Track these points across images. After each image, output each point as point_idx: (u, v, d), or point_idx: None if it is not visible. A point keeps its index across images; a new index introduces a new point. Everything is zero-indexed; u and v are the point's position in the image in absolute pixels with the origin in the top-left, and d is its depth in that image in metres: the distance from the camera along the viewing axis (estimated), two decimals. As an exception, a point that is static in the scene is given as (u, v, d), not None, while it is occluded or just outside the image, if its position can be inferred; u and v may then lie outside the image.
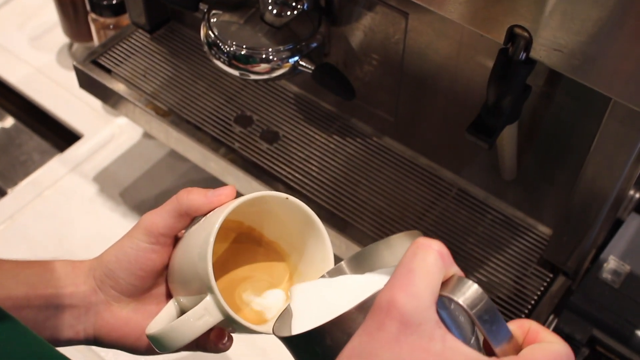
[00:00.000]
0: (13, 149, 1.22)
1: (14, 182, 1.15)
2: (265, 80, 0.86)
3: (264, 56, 0.83)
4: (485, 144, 0.67)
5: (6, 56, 1.27)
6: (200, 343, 0.62)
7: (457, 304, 0.42)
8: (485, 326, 0.42)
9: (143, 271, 0.61)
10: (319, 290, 0.55)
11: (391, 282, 0.43)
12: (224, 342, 0.62)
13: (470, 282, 0.43)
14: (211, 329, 0.59)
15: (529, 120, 0.78)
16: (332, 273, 0.57)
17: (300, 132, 0.96)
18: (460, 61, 0.80)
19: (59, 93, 1.22)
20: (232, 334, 0.62)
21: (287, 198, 0.59)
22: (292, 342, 0.49)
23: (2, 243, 1.03)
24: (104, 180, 1.11)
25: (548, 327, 0.80)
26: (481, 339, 0.45)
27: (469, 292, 0.42)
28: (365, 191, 0.90)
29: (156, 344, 0.59)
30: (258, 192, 0.58)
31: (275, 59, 0.83)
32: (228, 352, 0.92)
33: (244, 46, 0.83)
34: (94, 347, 0.92)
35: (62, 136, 1.20)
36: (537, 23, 0.58)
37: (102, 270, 0.61)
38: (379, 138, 0.95)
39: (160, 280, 0.63)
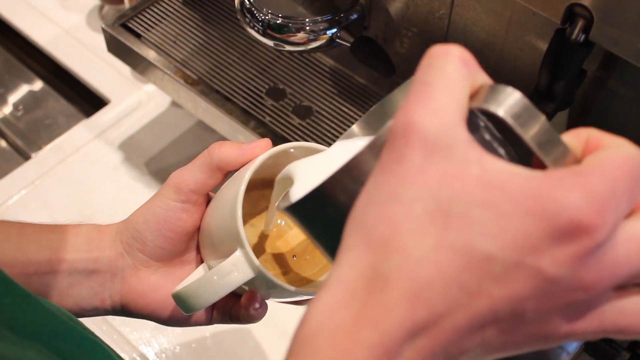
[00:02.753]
0: (39, 112, 1.20)
1: (37, 146, 1.13)
2: (300, 52, 0.82)
3: (300, 26, 0.79)
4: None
5: (36, 16, 1.24)
6: (233, 313, 0.59)
7: (494, 115, 0.33)
8: (534, 138, 0.33)
9: (173, 232, 0.57)
10: (323, 158, 0.47)
11: (405, 102, 0.33)
12: (256, 307, 0.57)
13: (509, 87, 0.34)
14: (241, 295, 0.55)
15: (578, 106, 0.74)
16: (342, 139, 0.47)
17: (334, 108, 0.92)
18: (508, 40, 0.76)
19: (88, 56, 1.19)
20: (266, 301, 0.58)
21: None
22: (299, 212, 0.39)
23: (23, 209, 1.01)
24: (129, 149, 1.08)
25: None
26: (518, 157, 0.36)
27: (507, 99, 0.33)
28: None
29: (181, 303, 0.55)
30: (294, 142, 0.55)
31: (312, 30, 0.79)
32: (248, 334, 0.90)
33: (280, 15, 0.79)
34: (109, 319, 0.90)
35: (89, 101, 1.18)
36: (600, 2, 0.54)
37: (129, 233, 0.58)
38: (417, 118, 0.91)
39: (192, 244, 0.59)
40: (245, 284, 0.53)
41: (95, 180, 1.05)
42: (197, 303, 0.54)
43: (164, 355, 0.89)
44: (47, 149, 1.08)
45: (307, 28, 0.79)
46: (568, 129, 0.75)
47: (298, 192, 0.44)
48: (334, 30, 0.80)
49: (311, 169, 0.46)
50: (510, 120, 0.33)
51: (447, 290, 0.31)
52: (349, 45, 0.81)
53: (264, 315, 0.58)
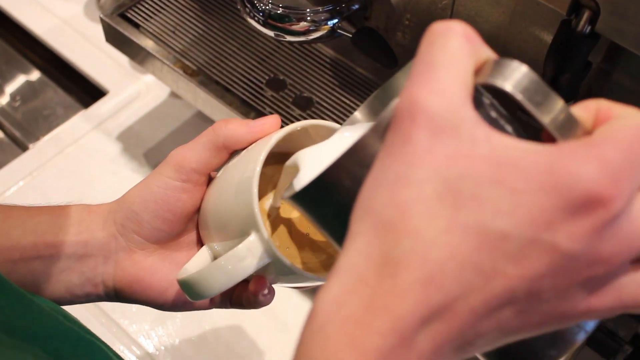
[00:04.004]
0: (37, 102, 1.19)
1: (35, 137, 1.12)
2: (300, 43, 0.82)
3: (301, 17, 0.78)
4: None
5: (33, 6, 1.23)
6: (235, 298, 0.56)
7: (501, 91, 0.32)
8: (543, 112, 0.32)
9: (171, 213, 0.54)
10: (328, 145, 0.45)
11: (408, 83, 0.32)
12: (265, 293, 0.54)
13: (515, 61, 0.33)
14: (248, 280, 0.53)
15: (583, 99, 0.73)
16: (345, 126, 0.46)
17: (335, 99, 0.91)
18: (511, 31, 0.75)
19: (86, 47, 1.18)
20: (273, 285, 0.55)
21: None
22: (304, 200, 0.38)
23: (21, 200, 1.00)
24: (128, 140, 1.07)
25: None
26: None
27: (514, 74, 0.32)
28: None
29: (189, 290, 0.52)
30: (312, 120, 0.52)
31: (313, 20, 0.78)
32: (247, 326, 0.89)
33: (281, 5, 0.78)
34: (108, 311, 0.89)
35: (87, 91, 1.17)
36: (607, -7, 0.53)
37: (124, 213, 0.55)
38: (418, 109, 0.90)
39: (191, 225, 0.56)
40: (257, 270, 0.50)
41: (94, 171, 1.04)
42: (207, 290, 0.51)
43: (163, 347, 0.88)
44: (45, 139, 1.07)
45: (308, 18, 0.78)
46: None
47: (302, 180, 0.42)
48: (335, 20, 0.79)
49: (315, 156, 0.45)
50: (518, 95, 0.32)
51: (461, 272, 0.31)
52: (350, 36, 0.80)
53: (271, 301, 0.56)
